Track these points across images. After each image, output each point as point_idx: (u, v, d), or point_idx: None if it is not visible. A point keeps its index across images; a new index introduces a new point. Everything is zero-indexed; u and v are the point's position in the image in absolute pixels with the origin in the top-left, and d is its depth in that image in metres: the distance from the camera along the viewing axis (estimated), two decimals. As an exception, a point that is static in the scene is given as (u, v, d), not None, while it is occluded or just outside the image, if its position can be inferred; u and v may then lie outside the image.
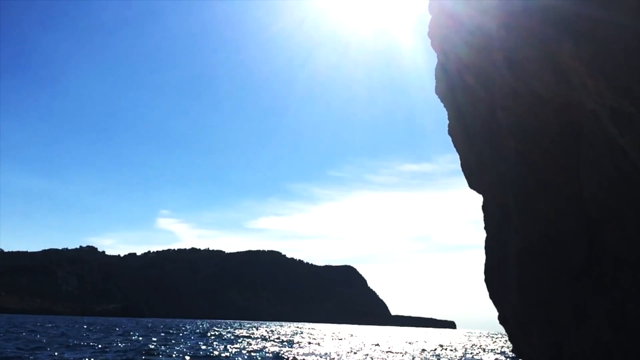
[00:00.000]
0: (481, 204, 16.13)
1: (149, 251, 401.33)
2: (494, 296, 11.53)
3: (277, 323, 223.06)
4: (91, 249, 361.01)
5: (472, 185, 16.81)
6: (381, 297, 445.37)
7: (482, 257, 14.99)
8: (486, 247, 13.29)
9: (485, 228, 15.07)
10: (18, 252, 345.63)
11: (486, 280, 12.07)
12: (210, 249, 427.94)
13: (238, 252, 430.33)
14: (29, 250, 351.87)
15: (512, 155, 11.23)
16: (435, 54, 15.66)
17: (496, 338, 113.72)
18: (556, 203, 10.41)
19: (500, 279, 11.69)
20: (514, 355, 12.36)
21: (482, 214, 16.05)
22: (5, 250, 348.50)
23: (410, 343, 65.26)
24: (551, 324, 10.01)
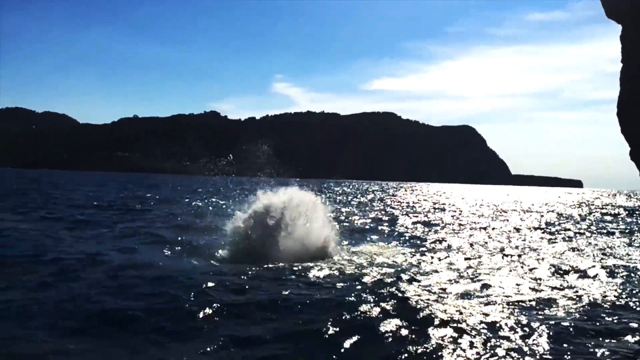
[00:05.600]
0: (619, 35, 14.12)
1: (267, 115, 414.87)
2: (627, 129, 10.01)
3: (396, 183, 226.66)
4: (214, 114, 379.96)
5: (610, 11, 14.48)
6: (501, 157, 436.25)
7: (615, 112, 13.27)
8: (621, 79, 11.53)
9: (622, 61, 13.20)
10: (150, 118, 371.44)
11: (619, 114, 10.49)
12: (326, 111, 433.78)
13: (353, 115, 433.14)
14: (159, 116, 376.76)
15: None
16: None
17: (625, 195, 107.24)
18: None
19: (635, 110, 10.06)
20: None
21: (618, 66, 14.09)
22: (140, 116, 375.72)
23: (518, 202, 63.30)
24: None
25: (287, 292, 9.16)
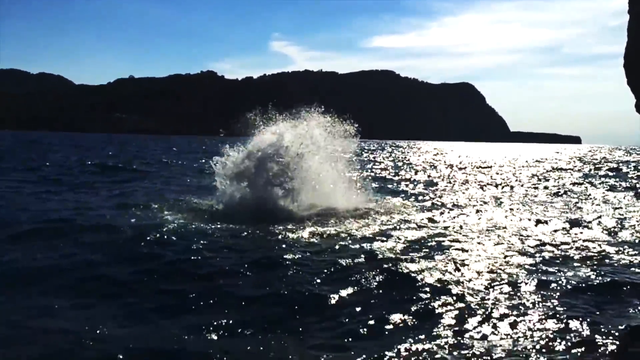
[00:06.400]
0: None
1: (265, 74, 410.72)
2: (634, 81, 9.79)
3: (393, 142, 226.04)
4: (211, 74, 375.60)
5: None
6: (500, 114, 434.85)
7: (617, 68, 12.98)
8: (629, 29, 11.23)
9: (629, 11, 12.87)
10: (146, 78, 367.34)
11: (626, 65, 10.24)
12: (324, 70, 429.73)
13: (352, 73, 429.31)
14: (156, 76, 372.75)
15: None
16: None
17: (623, 150, 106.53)
18: None
19: (643, 62, 9.83)
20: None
21: (621, 19, 13.82)
22: (136, 76, 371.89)
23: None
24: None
25: (284, 253, 9.10)
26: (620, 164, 49.54)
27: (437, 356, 5.09)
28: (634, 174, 36.07)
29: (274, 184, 13.63)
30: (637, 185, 25.76)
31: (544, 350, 5.32)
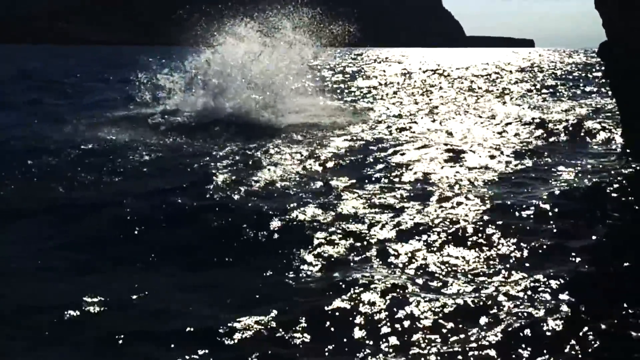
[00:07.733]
0: None
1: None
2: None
3: (349, 49, 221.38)
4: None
5: None
6: (456, 18, 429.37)
7: None
8: None
9: None
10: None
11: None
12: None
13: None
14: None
15: None
16: None
17: (574, 52, 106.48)
18: None
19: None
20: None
21: None
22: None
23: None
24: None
25: (225, 171, 9.16)
26: (569, 66, 50.18)
27: (371, 250, 5.54)
28: (579, 74, 36.67)
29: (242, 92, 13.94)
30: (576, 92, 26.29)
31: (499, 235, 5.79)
